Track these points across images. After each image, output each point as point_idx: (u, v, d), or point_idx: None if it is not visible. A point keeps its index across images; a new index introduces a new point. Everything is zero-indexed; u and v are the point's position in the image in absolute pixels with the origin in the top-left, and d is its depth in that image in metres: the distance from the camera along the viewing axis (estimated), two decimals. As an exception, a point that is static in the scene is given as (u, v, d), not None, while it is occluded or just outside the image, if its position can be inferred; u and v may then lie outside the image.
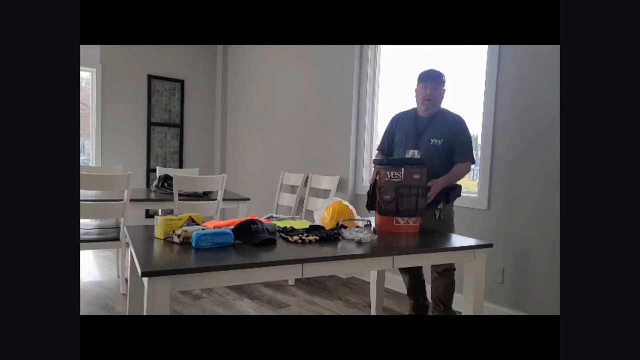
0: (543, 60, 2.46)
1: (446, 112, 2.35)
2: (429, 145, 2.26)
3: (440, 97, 2.32)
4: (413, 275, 2.48)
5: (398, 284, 3.10)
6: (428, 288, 2.52)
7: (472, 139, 2.39)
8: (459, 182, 2.37)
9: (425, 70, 2.33)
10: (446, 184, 2.22)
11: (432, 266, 2.35)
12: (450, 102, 2.46)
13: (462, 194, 2.43)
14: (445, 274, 2.32)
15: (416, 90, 2.36)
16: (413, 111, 2.41)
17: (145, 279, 1.25)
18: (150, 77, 4.79)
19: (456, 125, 2.29)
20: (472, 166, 2.42)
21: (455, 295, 2.36)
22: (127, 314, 1.93)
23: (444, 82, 2.32)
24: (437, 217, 2.25)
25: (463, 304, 1.92)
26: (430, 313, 2.47)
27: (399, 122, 2.46)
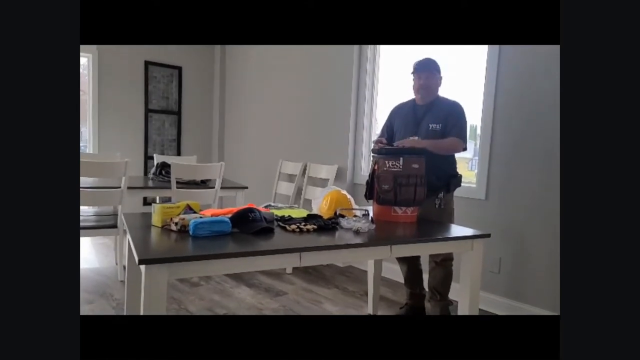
0: (543, 53, 2.44)
1: (443, 100, 2.36)
2: (427, 130, 2.26)
3: (435, 84, 2.33)
4: (411, 265, 2.49)
5: (395, 272, 3.11)
6: (425, 278, 2.53)
7: (471, 129, 2.38)
8: (459, 172, 2.37)
9: (418, 61, 2.34)
10: (429, 146, 2.14)
11: (430, 256, 2.36)
12: (450, 93, 2.45)
13: (462, 183, 2.42)
14: (443, 264, 2.33)
15: (413, 80, 2.38)
16: (412, 101, 2.43)
17: (142, 267, 1.25)
18: (148, 64, 4.74)
19: (452, 108, 2.30)
20: (469, 156, 2.40)
21: (452, 284, 2.38)
22: (125, 301, 1.93)
23: (437, 69, 2.32)
24: (437, 207, 2.25)
25: (459, 293, 1.93)
26: (426, 302, 2.49)
27: (397, 112, 2.48)
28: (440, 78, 2.35)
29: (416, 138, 2.27)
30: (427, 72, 2.29)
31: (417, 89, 2.34)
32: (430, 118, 2.29)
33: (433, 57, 2.36)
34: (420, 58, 2.35)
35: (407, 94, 2.49)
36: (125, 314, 1.98)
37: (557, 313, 2.40)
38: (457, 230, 1.97)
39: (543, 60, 2.45)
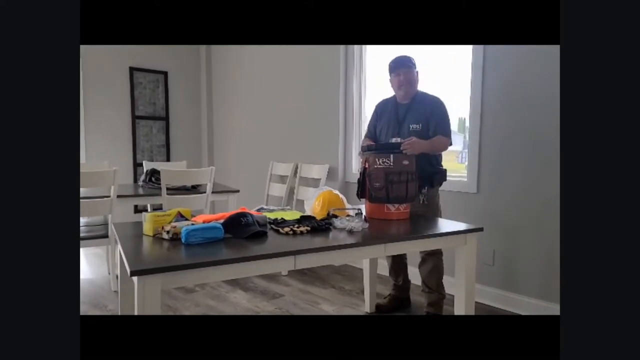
0: (529, 46, 2.45)
1: (424, 95, 2.37)
2: (409, 131, 2.28)
3: (414, 79, 2.34)
4: (395, 257, 2.54)
5: (390, 269, 3.12)
6: (411, 270, 2.59)
7: (460, 121, 2.39)
8: (444, 167, 2.38)
9: (393, 59, 2.35)
10: (427, 149, 2.20)
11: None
12: (438, 86, 2.45)
13: (452, 177, 2.43)
14: (430, 257, 2.35)
15: (390, 80, 2.39)
16: (393, 99, 2.44)
17: (135, 278, 1.23)
18: (132, 70, 4.69)
19: (433, 106, 2.31)
20: (459, 148, 2.41)
21: (448, 278, 2.39)
22: (119, 311, 1.91)
23: (414, 64, 2.34)
24: (421, 202, 2.26)
25: (455, 287, 1.94)
26: (417, 294, 2.51)
27: (381, 110, 2.49)
28: (417, 73, 2.36)
29: (399, 139, 2.26)
30: (405, 68, 2.30)
31: (399, 86, 2.34)
32: (410, 118, 2.31)
33: (407, 53, 2.37)
34: (395, 56, 2.36)
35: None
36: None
37: (551, 302, 2.42)
38: (450, 225, 1.97)
39: (529, 53, 2.46)
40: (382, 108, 2.48)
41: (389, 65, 2.36)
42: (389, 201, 1.99)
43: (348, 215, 1.88)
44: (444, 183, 2.41)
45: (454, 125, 2.38)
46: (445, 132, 2.28)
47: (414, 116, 2.31)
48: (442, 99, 2.36)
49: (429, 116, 2.27)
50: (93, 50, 4.40)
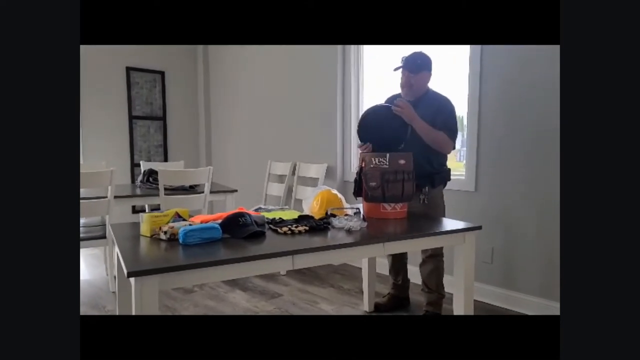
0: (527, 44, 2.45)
1: (433, 95, 2.31)
2: (412, 129, 2.23)
3: (418, 83, 2.27)
4: (395, 256, 2.53)
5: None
6: (410, 269, 2.59)
7: (458, 119, 2.37)
8: (448, 166, 2.36)
9: (406, 55, 2.29)
10: (420, 127, 2.16)
11: (422, 251, 2.37)
12: (435, 82, 2.43)
13: (450, 178, 2.40)
14: (431, 260, 2.34)
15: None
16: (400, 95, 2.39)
17: (132, 279, 1.22)
18: (129, 69, 4.67)
19: (441, 106, 2.26)
20: (457, 148, 2.38)
21: (447, 277, 2.39)
22: (117, 312, 1.90)
23: (422, 68, 2.25)
24: (421, 202, 2.24)
25: (454, 286, 1.94)
26: (418, 293, 2.51)
27: None
28: (428, 75, 2.29)
29: (409, 105, 2.18)
30: (407, 70, 2.25)
31: (401, 85, 2.31)
32: None
33: (424, 51, 2.28)
34: (410, 52, 2.29)
35: (393, 89, 2.48)
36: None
37: (551, 300, 2.43)
38: (448, 223, 1.97)
39: (527, 51, 2.46)
40: (389, 103, 2.41)
41: (401, 59, 2.29)
42: (384, 200, 1.98)
43: (346, 215, 1.87)
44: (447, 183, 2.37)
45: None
46: (450, 131, 2.23)
47: (419, 114, 2.24)
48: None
49: (435, 115, 2.21)
50: (89, 51, 4.38)
